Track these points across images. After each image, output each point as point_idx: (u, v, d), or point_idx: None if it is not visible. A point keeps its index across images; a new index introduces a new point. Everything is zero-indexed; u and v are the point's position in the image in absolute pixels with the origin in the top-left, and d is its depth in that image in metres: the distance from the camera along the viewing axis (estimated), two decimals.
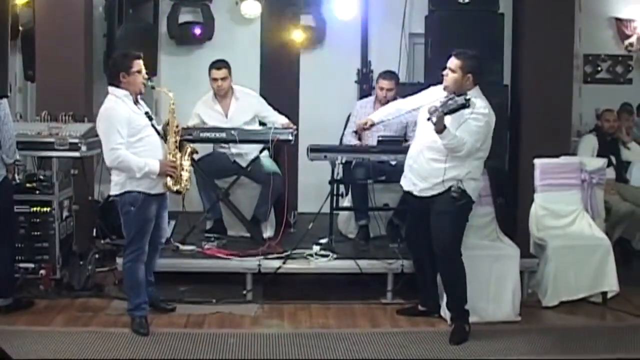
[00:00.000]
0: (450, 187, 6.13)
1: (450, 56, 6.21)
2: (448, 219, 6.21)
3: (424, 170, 6.27)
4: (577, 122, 9.69)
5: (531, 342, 6.20)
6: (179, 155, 6.34)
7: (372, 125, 6.91)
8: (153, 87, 6.71)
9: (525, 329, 6.54)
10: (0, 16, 4.56)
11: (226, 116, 8.03)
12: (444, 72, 6.21)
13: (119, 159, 5.98)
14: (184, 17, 9.61)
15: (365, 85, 9.74)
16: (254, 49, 8.96)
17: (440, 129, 5.91)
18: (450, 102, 5.99)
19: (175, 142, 6.35)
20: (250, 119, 8.02)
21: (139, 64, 6.21)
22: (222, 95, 8.04)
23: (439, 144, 6.04)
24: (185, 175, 6.32)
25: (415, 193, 6.36)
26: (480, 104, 6.08)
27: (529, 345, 6.12)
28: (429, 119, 5.96)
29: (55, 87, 7.77)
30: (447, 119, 5.99)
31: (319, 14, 9.62)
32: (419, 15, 9.30)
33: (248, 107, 8.06)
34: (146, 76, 6.33)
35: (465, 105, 5.93)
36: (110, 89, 6.20)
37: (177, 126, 6.40)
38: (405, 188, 6.49)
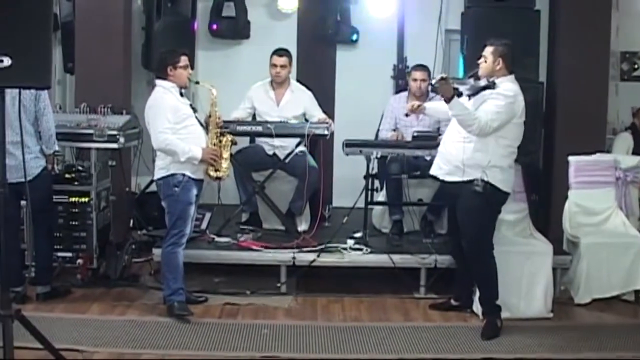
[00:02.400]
0: (473, 180, 6.10)
1: (485, 46, 6.24)
2: (473, 215, 6.20)
3: (448, 153, 6.28)
4: (614, 120, 9.62)
5: (563, 338, 6.18)
6: (219, 145, 6.66)
7: (422, 108, 6.75)
8: (197, 82, 6.84)
9: (557, 325, 6.53)
10: (43, 9, 4.62)
11: (278, 105, 8.12)
12: (479, 62, 6.24)
13: (167, 141, 6.28)
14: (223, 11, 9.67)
15: (401, 80, 9.73)
16: (290, 44, 8.99)
17: (447, 96, 5.93)
18: (469, 79, 6.10)
19: (217, 133, 6.68)
20: (300, 113, 8.08)
21: (186, 60, 6.53)
22: (279, 83, 8.11)
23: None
24: (224, 164, 6.64)
25: (440, 177, 6.38)
26: (505, 87, 6.06)
27: (561, 342, 6.11)
28: (432, 88, 6.04)
29: (94, 80, 7.85)
30: (470, 101, 6.06)
31: (355, 9, 9.64)
32: (456, 11, 9.28)
33: (300, 102, 8.12)
34: (191, 72, 6.62)
35: (489, 86, 5.98)
36: (158, 81, 6.51)
37: (218, 118, 6.74)
38: (432, 172, 6.51)
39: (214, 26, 9.66)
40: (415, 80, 7.92)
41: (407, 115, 7.10)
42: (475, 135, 6.03)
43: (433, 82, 6.04)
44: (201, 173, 6.53)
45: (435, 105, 6.68)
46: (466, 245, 6.29)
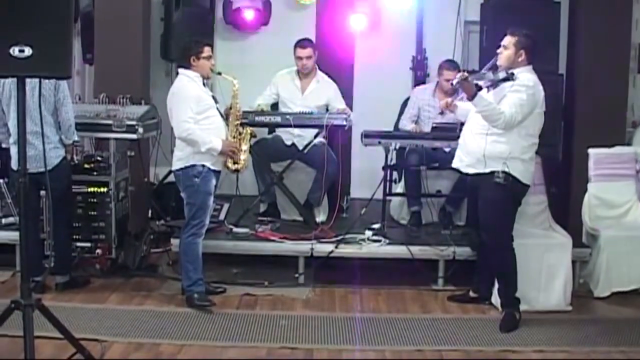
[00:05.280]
0: (493, 172, 6.07)
1: (505, 35, 6.19)
2: (494, 207, 6.18)
3: (469, 145, 6.25)
4: (632, 113, 9.57)
5: (581, 332, 6.17)
6: (239, 137, 6.69)
7: (455, 106, 6.66)
8: (219, 74, 6.80)
9: (576, 318, 6.52)
10: None
11: (302, 93, 8.15)
12: (498, 50, 6.18)
13: (189, 131, 6.29)
14: (239, 2, 9.65)
15: (419, 72, 9.73)
16: (309, 35, 8.97)
17: (470, 94, 5.91)
18: (487, 73, 6.01)
19: (236, 125, 6.71)
20: (323, 104, 8.10)
21: (209, 51, 6.56)
22: (306, 73, 8.15)
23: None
24: (243, 156, 6.65)
25: (462, 169, 6.36)
26: (524, 77, 6.00)
27: (580, 335, 6.09)
28: (454, 85, 6.02)
29: (113, 70, 7.85)
30: (490, 93, 6.02)
31: (374, 0, 9.62)
32: (475, 2, 9.27)
33: (324, 92, 8.15)
34: (214, 62, 6.62)
35: (508, 78, 5.91)
36: (181, 70, 6.55)
37: (239, 111, 6.76)
38: (453, 164, 6.48)
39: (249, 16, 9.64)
40: (447, 80, 7.82)
41: (441, 113, 7.10)
42: (501, 130, 6.00)
43: (454, 82, 6.01)
44: (220, 164, 6.54)
45: (466, 106, 6.56)
46: (486, 237, 6.28)
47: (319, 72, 8.25)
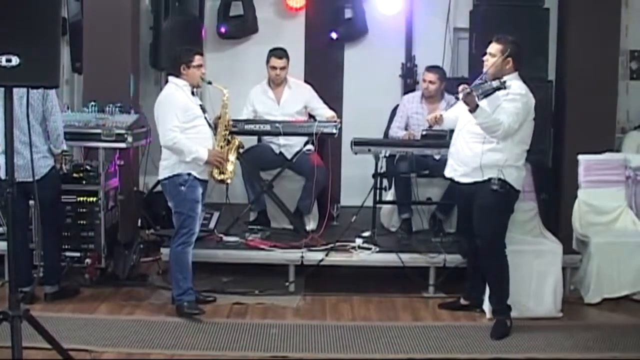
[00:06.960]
0: (490, 179, 6.07)
1: (490, 42, 6.18)
2: (489, 213, 6.16)
3: (463, 155, 6.23)
4: (624, 119, 9.58)
5: (573, 338, 6.15)
6: (226, 148, 6.66)
7: (441, 119, 6.64)
8: (210, 83, 6.76)
9: (566, 325, 6.50)
10: (51, 8, 4.62)
11: (278, 103, 8.10)
12: (484, 58, 6.18)
13: (174, 139, 6.28)
14: (228, 10, 9.63)
15: (409, 79, 9.72)
16: (298, 42, 8.98)
17: (472, 107, 5.88)
18: (484, 84, 5.97)
19: (225, 135, 6.69)
20: (302, 107, 8.08)
21: (199, 60, 6.55)
22: (278, 83, 8.10)
23: (477, 125, 6.02)
24: (229, 167, 6.63)
25: (456, 179, 6.34)
26: (516, 85, 6.01)
27: (571, 342, 6.08)
28: (457, 98, 5.98)
29: (102, 79, 7.83)
30: (483, 103, 5.97)
31: (363, 8, 9.61)
32: (464, 9, 9.29)
33: (300, 96, 8.12)
34: (204, 71, 6.60)
35: (501, 87, 5.88)
36: (171, 78, 6.56)
37: (227, 121, 6.75)
38: (447, 174, 6.46)
39: (222, 29, 9.61)
40: (424, 81, 7.88)
41: (430, 127, 7.09)
42: (500, 140, 6.01)
43: (460, 96, 5.96)
44: (206, 174, 6.54)
45: (450, 115, 6.60)
46: (481, 244, 6.26)
47: (289, 78, 8.19)
